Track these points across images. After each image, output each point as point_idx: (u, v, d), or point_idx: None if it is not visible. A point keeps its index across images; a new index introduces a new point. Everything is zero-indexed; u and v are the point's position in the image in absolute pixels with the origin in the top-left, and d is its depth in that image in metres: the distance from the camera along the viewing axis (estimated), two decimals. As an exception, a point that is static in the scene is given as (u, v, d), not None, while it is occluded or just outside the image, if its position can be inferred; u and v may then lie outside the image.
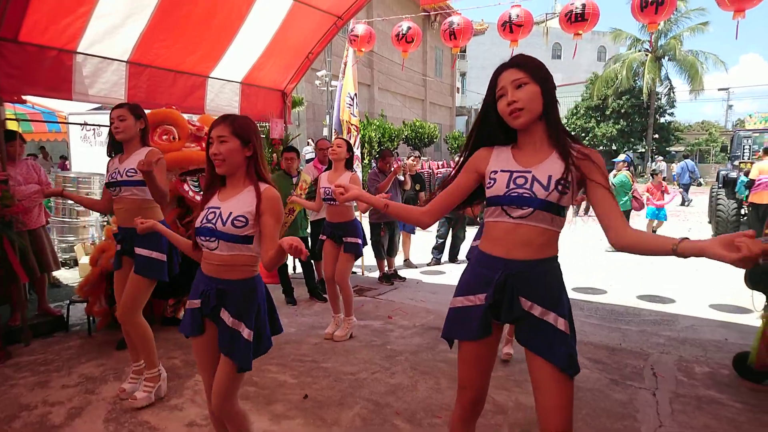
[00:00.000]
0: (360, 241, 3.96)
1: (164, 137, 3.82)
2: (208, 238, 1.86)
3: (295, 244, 1.58)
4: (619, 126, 30.40)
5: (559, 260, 1.69)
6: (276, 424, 2.68)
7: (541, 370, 1.60)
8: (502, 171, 1.65)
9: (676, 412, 2.86)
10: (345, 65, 6.44)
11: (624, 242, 1.53)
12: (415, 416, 2.79)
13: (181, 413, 2.80)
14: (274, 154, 5.52)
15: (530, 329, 1.62)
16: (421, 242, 8.08)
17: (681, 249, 1.35)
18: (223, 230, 1.82)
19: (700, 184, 28.08)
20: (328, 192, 3.82)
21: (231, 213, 1.83)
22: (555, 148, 1.62)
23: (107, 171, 2.90)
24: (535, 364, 1.62)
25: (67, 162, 10.29)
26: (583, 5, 4.81)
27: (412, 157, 6.99)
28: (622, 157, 9.69)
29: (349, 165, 3.95)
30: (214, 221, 1.84)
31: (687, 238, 1.36)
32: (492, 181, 1.66)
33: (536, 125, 1.64)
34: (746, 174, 8.36)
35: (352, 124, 6.39)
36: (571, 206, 1.67)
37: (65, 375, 3.29)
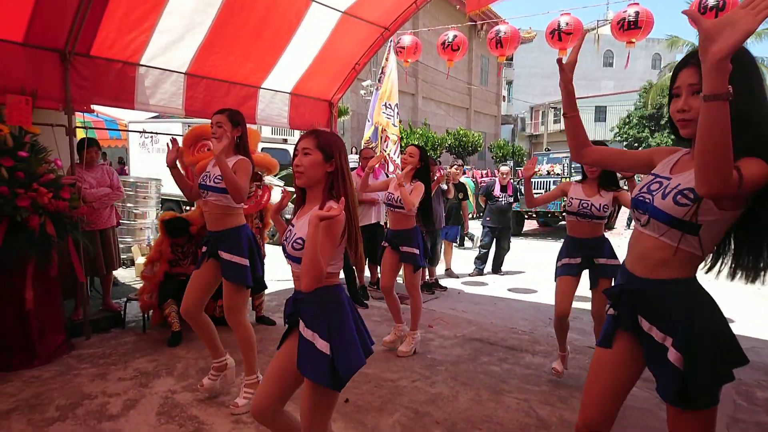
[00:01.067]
0: (417, 252, 3.82)
1: (204, 150, 4.12)
2: (286, 256, 1.89)
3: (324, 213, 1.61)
4: (674, 138, 29.12)
5: (697, 283, 1.48)
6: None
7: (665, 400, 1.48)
8: (652, 174, 1.57)
9: (733, 438, 2.71)
10: (383, 74, 6.53)
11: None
12: (456, 427, 2.77)
13: (228, 410, 2.90)
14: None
15: (651, 352, 1.51)
16: (464, 253, 8.02)
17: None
18: (290, 253, 1.84)
19: None
20: (390, 198, 3.82)
21: (296, 234, 1.83)
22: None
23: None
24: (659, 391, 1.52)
25: (126, 167, 10.94)
26: (637, 13, 4.69)
27: (455, 166, 6.99)
28: None
29: (418, 174, 3.82)
30: (288, 239, 1.86)
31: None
32: (641, 182, 1.60)
33: None
34: None
35: (390, 133, 6.46)
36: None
37: (121, 368, 3.49)
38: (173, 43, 4.36)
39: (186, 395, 3.09)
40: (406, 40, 5.94)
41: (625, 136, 29.35)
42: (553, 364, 3.46)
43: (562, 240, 3.45)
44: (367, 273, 6.02)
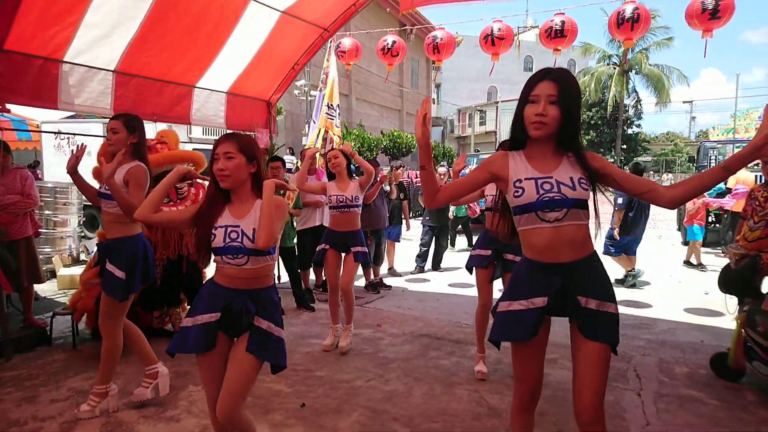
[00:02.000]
0: (366, 250, 3.97)
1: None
2: (235, 255, 1.91)
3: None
4: (589, 137, 31.35)
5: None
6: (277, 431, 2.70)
7: (594, 351, 1.75)
8: (526, 179, 1.77)
9: (660, 411, 2.99)
10: (326, 76, 6.52)
11: (674, 193, 1.72)
12: (413, 421, 2.84)
13: (178, 425, 2.78)
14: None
15: (589, 321, 1.76)
16: (405, 251, 8.16)
17: (729, 164, 1.63)
18: (252, 247, 1.89)
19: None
20: (341, 199, 3.84)
21: (254, 229, 1.90)
22: (565, 155, 1.80)
23: None
24: (587, 346, 1.77)
25: (38, 171, 10.03)
26: (563, 22, 5.02)
27: (399, 168, 7.11)
28: None
29: (350, 172, 3.98)
30: (239, 240, 1.90)
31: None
32: (520, 190, 1.77)
33: (549, 138, 1.79)
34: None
35: (334, 134, 6.47)
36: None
37: (53, 389, 3.22)
38: (101, 38, 4.08)
39: (130, 413, 2.91)
40: (347, 42, 5.96)
41: (546, 136, 31.18)
42: (476, 367, 3.49)
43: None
44: (312, 276, 5.97)
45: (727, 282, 3.57)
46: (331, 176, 4.02)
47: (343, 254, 3.99)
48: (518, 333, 1.82)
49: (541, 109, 1.71)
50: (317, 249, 4.03)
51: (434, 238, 7.42)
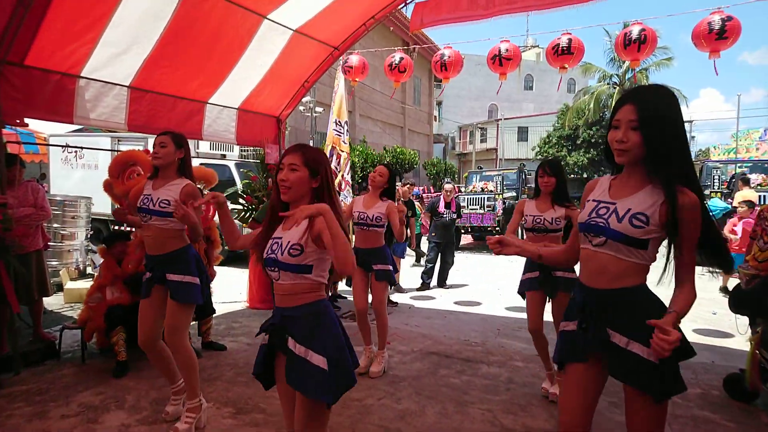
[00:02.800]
0: (391, 268, 3.82)
1: (134, 176, 4.07)
2: (272, 268, 1.85)
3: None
4: (590, 155, 31.51)
5: (647, 287, 1.70)
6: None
7: (630, 396, 1.65)
8: (593, 200, 1.76)
9: (676, 432, 2.97)
10: (335, 93, 6.60)
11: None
12: (428, 441, 2.82)
13: (191, 442, 2.75)
14: (270, 179, 5.56)
15: (617, 360, 1.65)
16: (410, 268, 8.16)
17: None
18: (282, 260, 1.80)
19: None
20: (362, 217, 3.76)
21: (289, 242, 1.82)
22: (651, 183, 1.64)
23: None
24: (626, 390, 1.66)
25: (44, 184, 10.08)
26: (569, 40, 5.09)
27: (407, 185, 7.13)
28: None
29: (385, 193, 3.84)
30: (275, 252, 1.83)
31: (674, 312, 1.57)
32: (582, 209, 1.79)
33: (638, 164, 1.66)
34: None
35: (342, 150, 6.52)
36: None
37: (63, 405, 3.20)
38: (118, 55, 4.15)
39: (142, 429, 2.89)
40: (354, 59, 6.04)
41: (545, 154, 31.35)
42: (551, 389, 3.40)
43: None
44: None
45: (739, 302, 3.56)
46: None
47: (369, 273, 3.87)
48: (562, 354, 1.79)
49: (621, 135, 1.62)
50: None
51: (440, 254, 7.43)
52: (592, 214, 1.70)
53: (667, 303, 1.64)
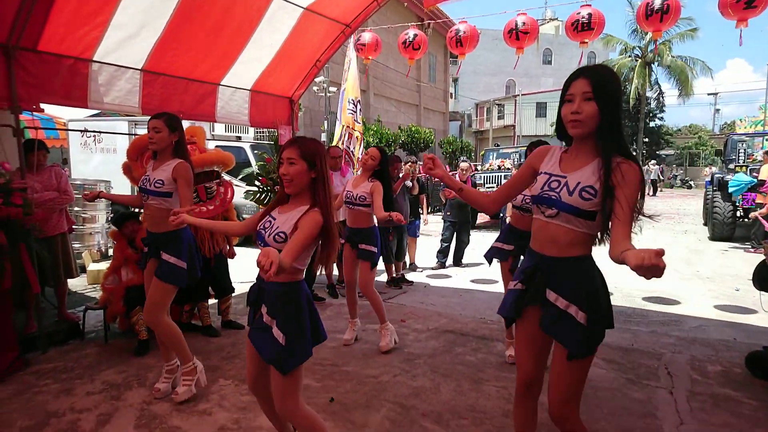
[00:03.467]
0: (375, 249, 3.89)
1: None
2: (260, 243, 2.03)
3: (261, 261, 1.53)
4: (611, 130, 30.84)
5: (592, 258, 1.83)
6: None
7: (557, 349, 1.83)
8: (544, 173, 1.85)
9: (694, 409, 2.93)
10: (347, 71, 6.52)
11: (611, 254, 1.66)
12: (442, 418, 2.84)
13: (210, 418, 2.82)
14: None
15: (551, 318, 1.81)
16: (425, 246, 8.14)
17: (619, 256, 1.56)
18: (268, 241, 1.99)
19: (690, 187, 28.56)
20: (349, 196, 3.86)
21: (278, 227, 2.00)
22: (597, 158, 1.74)
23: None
24: (556, 347, 1.84)
25: (66, 169, 10.26)
26: (590, 14, 4.91)
27: (409, 163, 7.03)
28: None
29: (377, 175, 3.88)
30: (266, 232, 2.02)
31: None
32: (536, 181, 1.87)
33: (588, 137, 1.76)
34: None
35: (354, 130, 6.47)
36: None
37: (88, 382, 3.30)
38: (128, 38, 4.14)
39: (163, 405, 2.97)
40: (366, 37, 5.93)
41: (565, 130, 30.76)
42: (508, 351, 3.66)
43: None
44: (336, 272, 6.00)
45: (764, 279, 3.48)
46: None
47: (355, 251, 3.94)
48: (503, 309, 1.98)
49: (576, 106, 1.70)
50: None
51: (455, 233, 7.39)
52: (544, 187, 1.80)
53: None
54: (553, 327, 1.81)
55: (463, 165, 7.46)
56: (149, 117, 2.97)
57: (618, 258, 1.56)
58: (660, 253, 1.34)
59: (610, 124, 1.70)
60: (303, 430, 2.06)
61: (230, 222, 2.28)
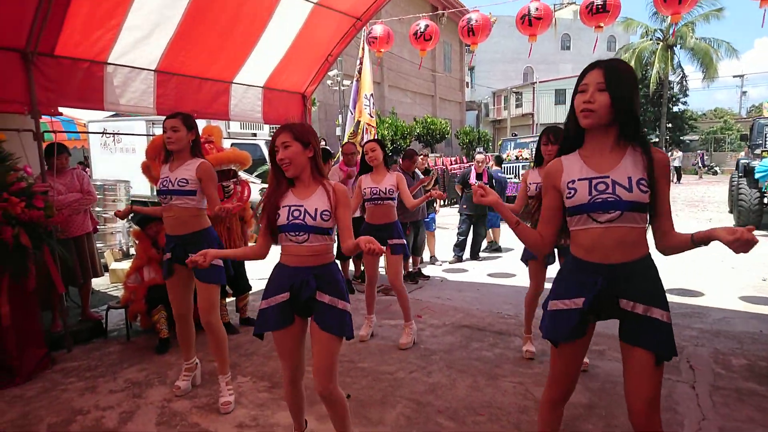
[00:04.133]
0: (404, 242, 3.94)
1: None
2: (297, 233, 2.06)
3: (370, 246, 1.81)
4: (632, 116, 30.16)
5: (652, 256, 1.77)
6: (323, 423, 2.73)
7: (637, 358, 1.70)
8: (580, 180, 1.72)
9: (717, 404, 2.86)
10: (361, 65, 6.48)
11: (663, 246, 1.74)
12: (458, 414, 2.83)
13: (228, 415, 2.87)
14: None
15: (635, 327, 1.71)
16: (442, 240, 8.10)
17: (696, 237, 1.59)
18: (314, 224, 2.05)
19: (715, 173, 27.78)
20: (375, 192, 3.83)
21: (317, 209, 2.05)
22: (627, 150, 1.70)
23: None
24: (631, 353, 1.72)
25: (87, 169, 10.50)
26: (605, -3, 4.78)
27: (421, 156, 6.99)
28: None
29: (387, 164, 3.94)
30: (302, 218, 2.05)
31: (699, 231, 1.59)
32: (572, 191, 1.72)
33: (606, 130, 1.71)
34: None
35: (369, 124, 6.45)
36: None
37: (111, 380, 3.38)
38: (141, 39, 4.19)
39: (183, 403, 3.03)
40: (378, 29, 5.88)
41: (584, 117, 30.17)
42: (525, 347, 3.63)
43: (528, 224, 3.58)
44: (351, 267, 6.02)
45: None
46: (367, 168, 3.98)
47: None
48: (560, 333, 1.80)
49: (589, 96, 1.66)
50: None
51: (472, 226, 7.33)
52: (592, 192, 1.68)
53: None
54: (637, 336, 1.71)
55: (479, 157, 7.36)
56: (165, 117, 2.98)
57: (680, 245, 1.67)
58: (752, 228, 1.42)
59: (628, 114, 1.66)
60: (337, 408, 2.17)
61: (249, 248, 2.31)
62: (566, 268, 1.85)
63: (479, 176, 7.19)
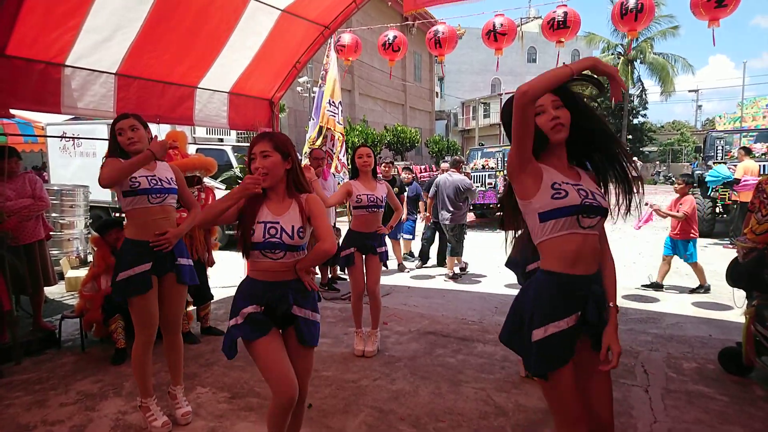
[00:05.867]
0: (386, 249, 3.99)
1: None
2: (273, 250, 2.01)
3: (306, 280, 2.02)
4: (595, 127, 31.20)
5: None
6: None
7: (600, 369, 1.66)
8: (564, 183, 1.64)
9: (668, 407, 2.97)
10: (326, 72, 6.48)
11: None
12: (420, 421, 2.84)
13: (187, 427, 2.80)
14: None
15: (598, 334, 1.68)
16: (418, 247, 8.15)
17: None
18: (291, 243, 2.01)
19: (672, 183, 28.96)
20: (371, 199, 3.77)
21: (293, 226, 2.01)
22: (577, 168, 1.77)
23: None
24: (598, 360, 1.66)
25: (44, 173, 10.10)
26: (565, 13, 4.96)
27: (383, 164, 6.99)
28: None
29: (375, 174, 3.94)
30: (278, 236, 2.00)
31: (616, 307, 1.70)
32: (563, 192, 1.61)
33: (562, 147, 1.73)
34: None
35: (336, 132, 6.44)
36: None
37: (62, 393, 3.25)
38: (102, 42, 4.07)
39: (138, 415, 2.92)
40: (347, 38, 5.91)
41: (550, 128, 31.02)
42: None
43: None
44: (318, 274, 5.98)
45: (736, 275, 3.53)
46: (355, 173, 3.91)
47: (363, 256, 3.90)
48: (555, 359, 1.60)
49: (553, 113, 1.65)
50: (342, 252, 3.87)
51: (436, 233, 7.41)
52: (582, 193, 1.62)
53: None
54: (599, 343, 1.68)
55: (444, 165, 7.50)
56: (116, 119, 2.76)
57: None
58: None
59: (588, 127, 1.70)
60: (299, 416, 2.25)
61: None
62: (544, 289, 1.66)
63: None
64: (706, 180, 9.07)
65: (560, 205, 1.60)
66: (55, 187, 6.62)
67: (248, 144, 10.64)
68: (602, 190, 1.74)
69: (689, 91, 37.85)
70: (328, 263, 5.83)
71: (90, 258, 6.92)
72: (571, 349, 1.62)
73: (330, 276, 6.19)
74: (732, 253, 3.65)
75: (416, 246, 7.97)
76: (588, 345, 1.70)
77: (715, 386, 3.23)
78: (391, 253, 7.14)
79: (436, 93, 34.36)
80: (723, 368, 3.45)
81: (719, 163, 9.56)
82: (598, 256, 1.70)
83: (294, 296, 2.05)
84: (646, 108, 33.56)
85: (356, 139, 15.64)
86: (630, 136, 31.79)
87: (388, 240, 6.99)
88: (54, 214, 6.30)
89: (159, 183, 2.71)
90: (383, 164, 6.95)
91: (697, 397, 3.10)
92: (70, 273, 5.94)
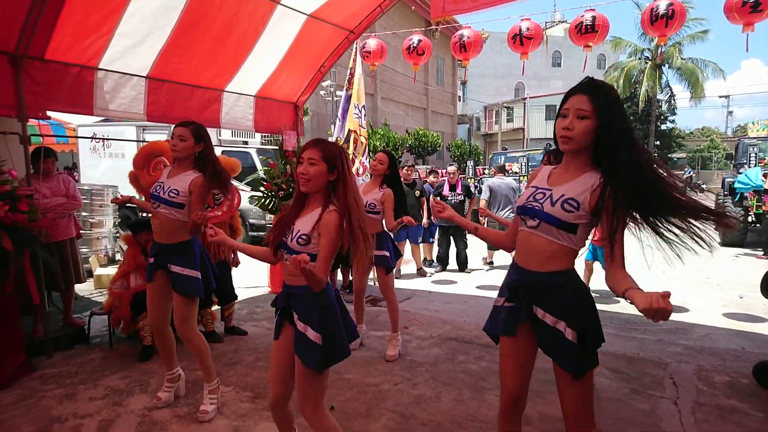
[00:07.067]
0: (389, 254, 3.88)
1: (159, 167, 3.99)
2: (283, 250, 2.06)
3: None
4: (621, 133, 30.58)
5: (576, 272, 1.82)
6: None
7: (557, 371, 1.79)
8: (532, 186, 1.88)
9: (699, 421, 2.88)
10: (352, 76, 6.52)
11: (609, 284, 1.67)
12: (442, 427, 2.82)
13: (209, 425, 2.83)
14: (288, 166, 5.57)
15: (545, 336, 1.80)
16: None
17: (627, 294, 1.55)
18: (290, 245, 2.01)
19: (702, 190, 28.19)
20: (370, 206, 3.79)
21: (299, 231, 2.00)
22: (589, 172, 1.74)
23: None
24: (554, 365, 1.80)
25: (75, 173, 10.40)
26: (593, 17, 4.89)
27: (405, 167, 7.03)
28: None
29: (387, 180, 3.90)
30: (288, 236, 2.03)
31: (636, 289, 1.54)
32: (525, 194, 1.89)
33: (581, 153, 1.76)
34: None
35: (360, 135, 6.47)
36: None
37: (91, 387, 3.33)
38: (134, 46, 4.19)
39: (164, 412, 2.98)
40: (372, 43, 5.95)
41: (574, 134, 30.55)
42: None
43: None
44: (339, 276, 6.00)
45: (771, 287, 3.42)
46: (388, 180, 3.92)
47: None
48: (493, 326, 1.97)
49: (568, 122, 1.70)
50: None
51: (451, 238, 7.35)
52: (529, 198, 1.81)
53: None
54: (548, 346, 1.80)
55: (450, 169, 7.51)
56: (174, 124, 2.89)
57: (620, 294, 1.57)
58: (666, 295, 1.35)
59: (610, 142, 1.65)
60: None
61: (263, 248, 2.26)
62: (509, 271, 1.97)
63: (452, 187, 7.27)
64: (734, 187, 8.81)
65: (517, 204, 1.90)
66: (86, 187, 6.80)
67: (272, 147, 10.74)
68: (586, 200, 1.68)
69: (720, 96, 36.87)
70: (347, 266, 5.84)
71: (118, 256, 7.10)
72: (512, 324, 1.85)
73: (350, 279, 6.20)
74: (765, 264, 3.53)
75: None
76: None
77: (749, 401, 3.12)
78: (408, 255, 7.20)
79: (459, 97, 34.25)
80: (758, 383, 3.33)
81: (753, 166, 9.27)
82: (546, 258, 1.76)
83: (293, 303, 2.03)
84: (675, 114, 32.81)
85: (378, 143, 15.68)
86: (657, 142, 31.09)
87: (408, 246, 7.07)
88: (84, 213, 6.48)
89: (160, 191, 2.82)
90: (405, 167, 6.97)
91: (729, 411, 2.99)
92: (99, 270, 6.09)
